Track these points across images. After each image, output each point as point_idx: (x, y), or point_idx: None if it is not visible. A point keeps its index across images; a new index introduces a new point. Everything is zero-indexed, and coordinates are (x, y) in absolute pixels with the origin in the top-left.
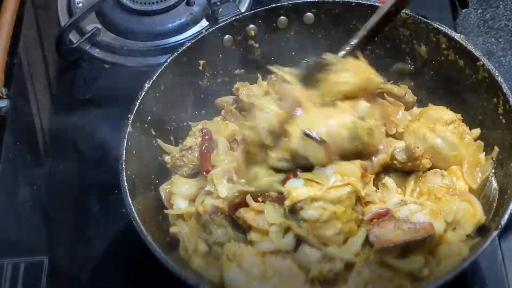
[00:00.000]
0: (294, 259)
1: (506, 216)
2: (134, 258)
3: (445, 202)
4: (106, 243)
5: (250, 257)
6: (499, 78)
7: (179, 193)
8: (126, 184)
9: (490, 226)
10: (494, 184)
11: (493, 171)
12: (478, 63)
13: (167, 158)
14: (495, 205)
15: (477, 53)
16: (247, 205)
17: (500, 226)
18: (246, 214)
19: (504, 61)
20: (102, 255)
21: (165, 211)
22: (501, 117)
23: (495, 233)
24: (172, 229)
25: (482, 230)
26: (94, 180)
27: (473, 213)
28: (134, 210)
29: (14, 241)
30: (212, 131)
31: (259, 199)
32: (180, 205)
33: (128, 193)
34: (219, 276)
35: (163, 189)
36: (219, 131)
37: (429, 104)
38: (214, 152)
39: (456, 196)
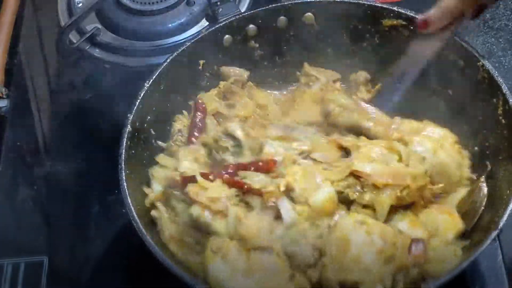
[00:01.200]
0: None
1: (505, 217)
2: (134, 258)
3: (423, 214)
4: (106, 243)
5: (235, 251)
6: (499, 79)
7: (156, 177)
8: (125, 184)
9: (472, 234)
10: (484, 190)
11: (484, 177)
12: (478, 63)
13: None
14: (481, 211)
15: (476, 54)
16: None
17: (499, 226)
18: (192, 188)
19: (504, 61)
20: (102, 255)
21: (146, 199)
22: (500, 117)
23: (494, 233)
24: (153, 212)
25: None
26: (94, 180)
27: (452, 221)
28: (133, 210)
29: (14, 241)
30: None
31: (210, 177)
32: (157, 188)
33: (127, 193)
34: (197, 263)
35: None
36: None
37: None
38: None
39: (433, 209)
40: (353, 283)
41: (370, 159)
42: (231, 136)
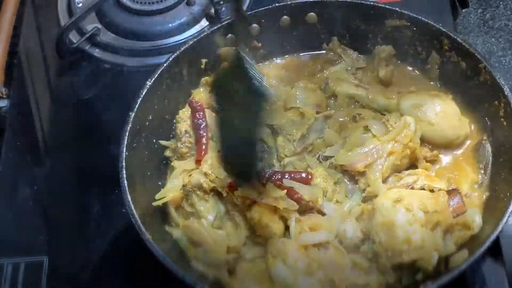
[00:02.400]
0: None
1: (505, 218)
2: (134, 258)
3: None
4: (106, 243)
5: (294, 251)
6: (501, 81)
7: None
8: (126, 182)
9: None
10: (488, 148)
11: (486, 137)
12: (480, 65)
13: (168, 153)
14: (490, 166)
15: (479, 55)
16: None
17: (499, 227)
18: (247, 191)
19: (504, 61)
20: (102, 255)
21: (153, 203)
22: (502, 119)
23: (495, 234)
24: (168, 229)
25: None
26: (94, 180)
27: (465, 174)
28: (133, 208)
29: (14, 241)
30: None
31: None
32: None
33: (127, 191)
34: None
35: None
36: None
37: None
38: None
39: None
40: (411, 262)
41: (350, 147)
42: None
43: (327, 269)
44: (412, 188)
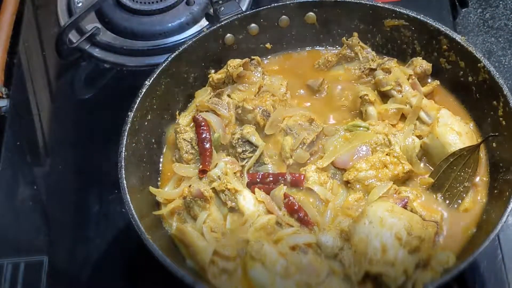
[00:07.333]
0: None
1: (505, 217)
2: (134, 258)
3: None
4: (106, 243)
5: (273, 254)
6: (500, 80)
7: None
8: (125, 182)
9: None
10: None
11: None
12: (478, 64)
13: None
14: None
15: (478, 55)
16: None
17: (498, 227)
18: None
19: (504, 60)
20: (102, 255)
21: (154, 213)
22: (501, 119)
23: (493, 234)
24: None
25: None
26: (94, 180)
27: None
28: (132, 208)
29: (14, 241)
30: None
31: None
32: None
33: (126, 191)
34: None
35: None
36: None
37: None
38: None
39: None
40: (376, 274)
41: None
42: (248, 142)
43: (305, 273)
44: (405, 207)
